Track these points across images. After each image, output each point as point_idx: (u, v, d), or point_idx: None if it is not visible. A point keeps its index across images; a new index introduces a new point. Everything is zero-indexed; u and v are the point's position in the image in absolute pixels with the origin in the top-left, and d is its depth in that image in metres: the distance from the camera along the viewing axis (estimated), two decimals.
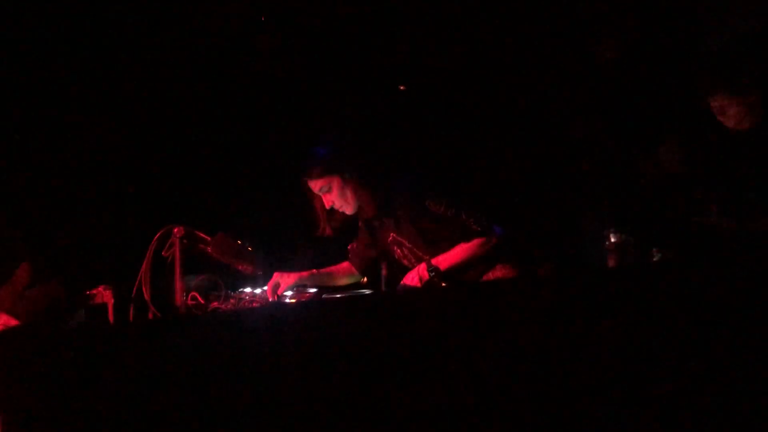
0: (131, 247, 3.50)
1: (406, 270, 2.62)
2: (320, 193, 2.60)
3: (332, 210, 2.66)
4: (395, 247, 2.66)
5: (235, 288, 2.83)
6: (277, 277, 2.75)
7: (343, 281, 2.92)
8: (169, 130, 3.78)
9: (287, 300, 2.72)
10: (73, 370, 2.16)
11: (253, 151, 3.89)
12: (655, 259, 2.72)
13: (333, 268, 2.92)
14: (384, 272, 2.73)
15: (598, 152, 3.58)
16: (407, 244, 2.61)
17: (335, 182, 2.56)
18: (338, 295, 2.74)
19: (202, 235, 2.54)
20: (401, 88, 2.78)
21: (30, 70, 3.44)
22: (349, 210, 2.63)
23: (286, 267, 2.88)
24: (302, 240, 3.64)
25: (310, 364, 2.06)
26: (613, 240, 3.20)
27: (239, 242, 3.14)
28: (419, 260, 2.58)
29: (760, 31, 3.07)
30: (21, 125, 3.48)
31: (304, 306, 2.53)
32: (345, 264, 2.93)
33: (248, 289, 2.84)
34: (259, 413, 1.90)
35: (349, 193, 2.58)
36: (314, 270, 2.87)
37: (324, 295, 2.74)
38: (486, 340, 1.86)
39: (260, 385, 2.10)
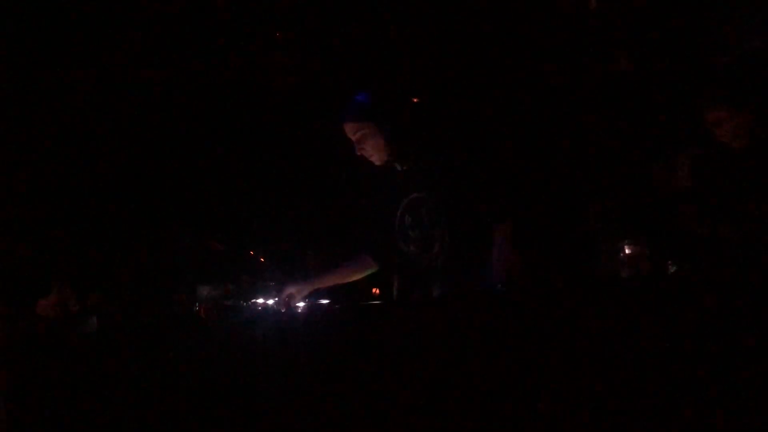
0: (142, 253, 3.53)
1: (409, 259, 2.59)
2: (354, 139, 2.59)
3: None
4: (408, 217, 2.59)
5: (247, 298, 2.83)
6: (290, 288, 2.73)
7: (357, 276, 2.83)
8: (183, 138, 3.80)
9: (299, 311, 2.70)
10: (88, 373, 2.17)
11: (267, 163, 3.91)
12: (670, 272, 2.70)
13: (345, 264, 2.84)
14: (396, 285, 2.72)
15: (613, 163, 3.57)
16: (428, 205, 2.53)
17: (369, 129, 2.55)
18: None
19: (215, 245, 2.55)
20: (414, 100, 2.77)
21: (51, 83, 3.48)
22: (378, 160, 2.60)
23: (299, 277, 2.87)
24: (311, 246, 3.64)
25: (319, 375, 2.07)
26: (627, 251, 3.17)
27: (251, 253, 3.14)
28: (427, 237, 2.52)
29: (763, 49, 3.06)
30: (28, 127, 3.52)
31: (314, 317, 2.53)
32: (358, 257, 2.81)
33: (261, 300, 2.83)
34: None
35: (381, 143, 2.56)
36: (326, 273, 2.82)
37: (336, 307, 2.73)
38: (499, 350, 1.86)
39: (268, 396, 2.10)
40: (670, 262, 2.73)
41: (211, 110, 3.84)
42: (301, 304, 2.74)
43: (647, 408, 1.71)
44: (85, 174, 3.68)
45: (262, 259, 3.37)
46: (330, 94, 3.73)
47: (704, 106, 2.67)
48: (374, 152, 2.58)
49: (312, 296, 2.78)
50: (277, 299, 2.75)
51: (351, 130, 2.59)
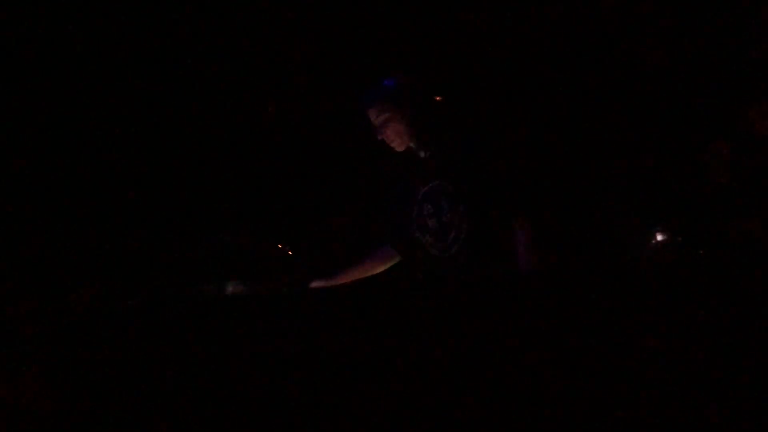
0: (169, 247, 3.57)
1: (424, 249, 2.56)
2: (376, 123, 2.57)
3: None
4: (427, 205, 2.57)
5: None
6: (314, 284, 2.73)
7: (380, 268, 2.80)
8: (204, 130, 3.83)
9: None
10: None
11: (290, 156, 3.92)
12: (699, 259, 2.65)
13: (367, 257, 2.82)
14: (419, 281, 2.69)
15: (646, 152, 3.52)
16: (448, 193, 2.50)
17: (391, 113, 2.54)
18: None
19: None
20: (437, 98, 2.74)
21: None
22: (399, 146, 2.59)
23: (325, 271, 2.86)
24: (336, 242, 3.64)
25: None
26: (659, 238, 3.12)
27: (280, 246, 3.15)
28: (444, 226, 2.49)
29: None
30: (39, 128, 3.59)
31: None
32: (380, 249, 2.80)
33: None
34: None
35: (403, 128, 2.55)
36: (348, 268, 2.79)
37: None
38: (519, 339, 1.84)
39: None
40: (701, 251, 2.69)
41: (233, 101, 3.86)
42: None
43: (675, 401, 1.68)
44: (112, 165, 3.73)
45: (290, 252, 3.37)
46: (351, 82, 3.72)
47: (748, 99, 2.62)
48: (396, 137, 2.57)
49: None
50: None
51: (374, 115, 2.58)
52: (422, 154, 2.59)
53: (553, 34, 3.63)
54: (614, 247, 3.43)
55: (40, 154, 3.57)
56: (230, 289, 2.74)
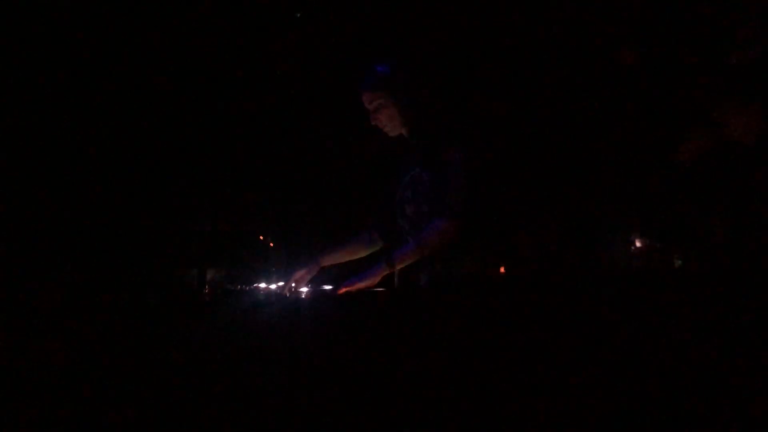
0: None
1: (402, 236, 2.58)
2: (369, 108, 2.60)
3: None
4: (408, 191, 2.58)
5: (249, 282, 2.82)
6: (300, 271, 2.72)
7: (364, 253, 2.82)
8: (187, 120, 3.80)
9: (303, 296, 2.69)
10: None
11: (274, 144, 3.90)
12: (675, 266, 2.68)
13: (351, 240, 2.83)
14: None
15: (624, 155, 3.52)
16: (425, 181, 2.51)
17: (384, 99, 2.57)
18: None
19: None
20: (429, 86, 2.77)
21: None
22: (392, 131, 2.62)
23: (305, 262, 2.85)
24: (318, 235, 3.63)
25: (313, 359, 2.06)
26: (638, 245, 3.15)
27: (261, 237, 3.14)
28: (418, 214, 2.51)
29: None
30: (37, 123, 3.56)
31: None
32: (365, 234, 2.82)
33: (263, 285, 2.82)
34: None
35: (395, 114, 2.57)
36: (332, 249, 2.81)
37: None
38: (499, 344, 1.84)
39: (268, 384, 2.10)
40: (676, 256, 2.71)
41: (217, 92, 3.84)
42: (305, 290, 2.74)
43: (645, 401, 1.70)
44: (99, 156, 3.70)
45: (271, 244, 3.35)
46: (341, 68, 3.71)
47: (714, 101, 2.62)
48: (388, 123, 2.59)
49: (316, 280, 2.76)
50: (282, 284, 2.74)
51: (367, 100, 2.61)
52: (410, 141, 2.62)
53: (542, 32, 3.63)
54: (593, 253, 3.45)
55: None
56: (208, 276, 2.73)
